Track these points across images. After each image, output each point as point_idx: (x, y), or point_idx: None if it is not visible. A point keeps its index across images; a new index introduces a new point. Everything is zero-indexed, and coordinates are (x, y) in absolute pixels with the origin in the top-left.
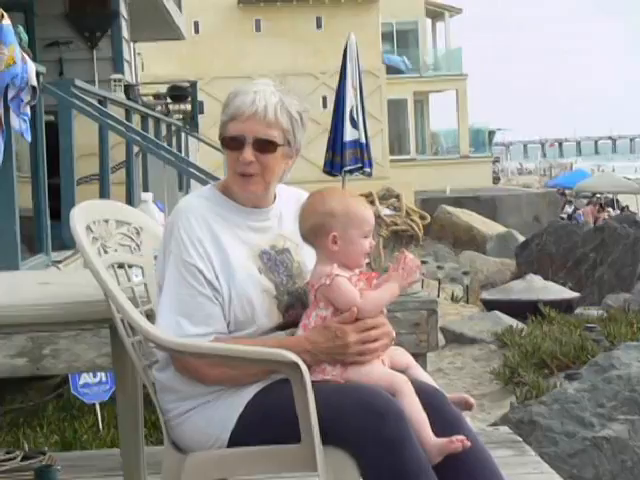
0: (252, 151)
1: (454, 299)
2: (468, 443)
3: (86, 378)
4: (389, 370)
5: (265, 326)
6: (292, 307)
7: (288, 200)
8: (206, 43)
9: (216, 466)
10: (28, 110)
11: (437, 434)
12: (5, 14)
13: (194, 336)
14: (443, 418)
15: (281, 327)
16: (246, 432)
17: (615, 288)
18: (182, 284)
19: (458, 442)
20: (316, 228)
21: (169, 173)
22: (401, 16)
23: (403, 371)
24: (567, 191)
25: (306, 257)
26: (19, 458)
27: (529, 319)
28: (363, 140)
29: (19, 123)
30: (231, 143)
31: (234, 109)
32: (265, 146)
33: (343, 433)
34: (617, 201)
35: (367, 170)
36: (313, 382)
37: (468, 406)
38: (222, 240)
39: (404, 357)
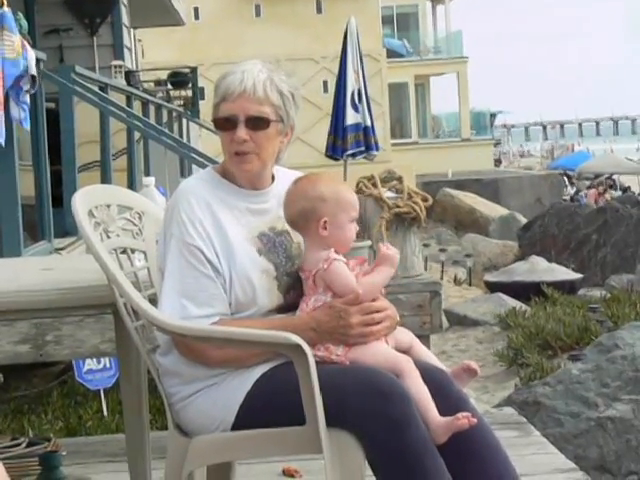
0: (245, 129)
1: (457, 282)
2: (474, 420)
3: (90, 364)
4: (393, 351)
5: (266, 307)
6: (293, 288)
7: (287, 182)
8: (206, 29)
9: (221, 449)
10: (27, 99)
11: (441, 414)
12: (5, 1)
13: (198, 318)
14: (447, 398)
15: (282, 309)
16: (250, 415)
17: (618, 269)
18: (184, 266)
19: (464, 419)
20: (306, 212)
21: (171, 159)
22: None
23: (407, 350)
24: (569, 172)
25: None
26: (24, 445)
27: (532, 301)
28: (368, 123)
29: (18, 111)
30: (224, 124)
31: (224, 90)
32: (257, 123)
33: (347, 414)
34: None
35: (373, 153)
36: (317, 363)
37: (472, 372)
38: (222, 221)
39: (407, 336)
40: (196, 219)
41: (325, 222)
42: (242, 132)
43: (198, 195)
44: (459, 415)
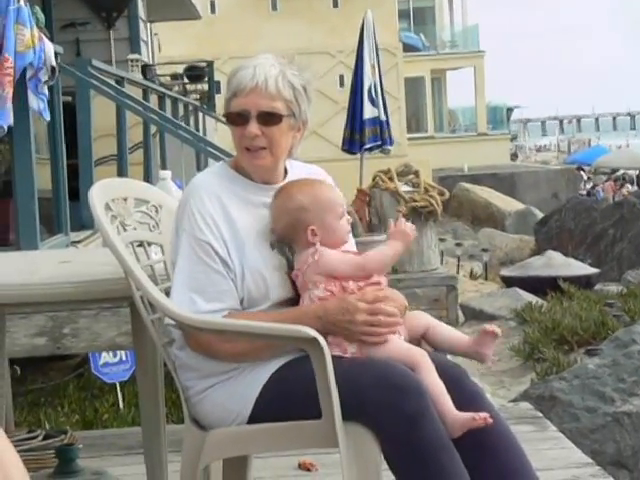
0: (257, 125)
1: (473, 276)
2: (490, 420)
3: (106, 357)
4: (407, 345)
5: (278, 301)
6: None
7: (299, 175)
8: (222, 23)
9: (237, 442)
10: (46, 90)
11: (457, 409)
12: None
13: (207, 312)
14: (462, 392)
15: (294, 303)
16: (267, 408)
17: (635, 264)
18: (195, 261)
19: (481, 419)
20: (292, 226)
21: (187, 152)
22: None
23: (424, 333)
24: (586, 168)
25: None
26: (40, 437)
27: (549, 295)
28: (383, 118)
29: (37, 103)
30: (236, 119)
31: (235, 85)
32: (269, 119)
33: (363, 408)
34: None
35: (387, 148)
36: (333, 357)
37: (492, 334)
38: (234, 216)
39: (422, 319)
40: (207, 214)
41: (313, 230)
42: (254, 127)
43: (210, 190)
44: (476, 415)
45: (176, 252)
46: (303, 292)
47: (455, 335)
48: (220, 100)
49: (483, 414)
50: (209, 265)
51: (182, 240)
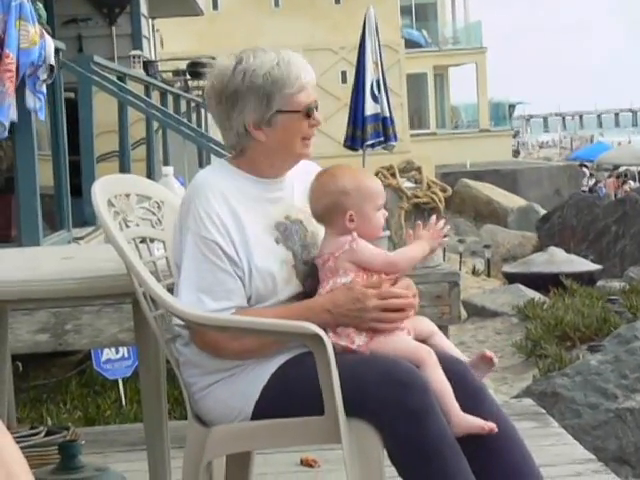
0: None
1: (475, 273)
2: (496, 429)
3: (108, 354)
4: (414, 342)
5: (285, 297)
6: (310, 276)
7: (297, 171)
8: (225, 19)
9: (240, 439)
10: (44, 88)
11: (460, 405)
12: None
13: (216, 311)
14: (466, 389)
15: (301, 297)
16: (270, 404)
17: (637, 260)
18: (201, 260)
19: (487, 429)
20: (331, 208)
21: (189, 149)
22: None
23: (426, 339)
24: (588, 164)
25: (318, 226)
26: (43, 433)
27: (551, 292)
28: (386, 114)
29: (34, 101)
30: (310, 110)
31: (304, 80)
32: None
33: (367, 404)
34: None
35: (391, 144)
36: (337, 353)
37: (489, 362)
38: (239, 213)
39: (428, 326)
40: (213, 212)
41: (351, 215)
42: (319, 116)
43: (214, 187)
44: (485, 426)
45: (181, 252)
46: (330, 277)
47: (454, 352)
48: None
49: (491, 425)
50: (216, 264)
51: (188, 240)
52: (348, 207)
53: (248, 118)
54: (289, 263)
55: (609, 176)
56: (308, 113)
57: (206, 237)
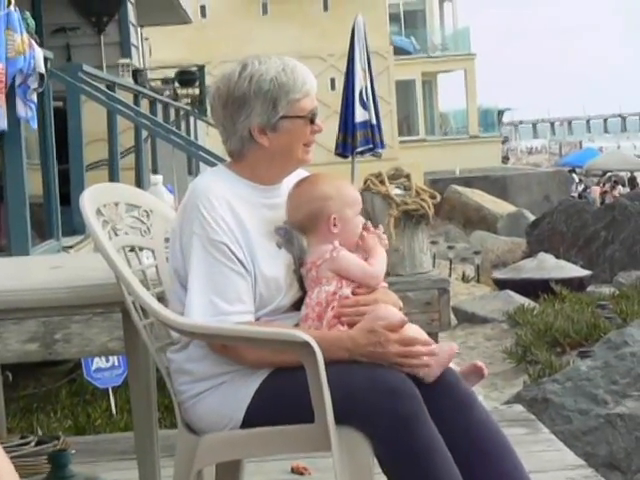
0: None
1: (465, 279)
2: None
3: (99, 363)
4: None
5: (287, 301)
6: None
7: (293, 178)
8: (213, 27)
9: (230, 447)
10: (35, 97)
11: (449, 411)
12: (13, 1)
13: (231, 314)
14: (455, 395)
15: (302, 301)
16: (260, 412)
17: (627, 266)
18: (211, 263)
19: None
20: (313, 214)
21: (178, 157)
22: None
23: None
24: (577, 170)
25: None
26: (33, 443)
27: (541, 298)
28: (374, 121)
29: (25, 110)
30: (312, 116)
31: (308, 86)
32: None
33: (356, 412)
34: (634, 179)
35: (378, 151)
36: (326, 361)
37: (479, 370)
38: (242, 218)
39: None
40: (218, 216)
41: (335, 219)
42: (320, 122)
43: (216, 192)
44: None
45: (184, 258)
46: (314, 286)
47: None
48: None
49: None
50: (227, 265)
51: (194, 245)
52: (331, 212)
53: (253, 122)
54: (290, 267)
55: (598, 182)
56: (312, 119)
57: (215, 239)
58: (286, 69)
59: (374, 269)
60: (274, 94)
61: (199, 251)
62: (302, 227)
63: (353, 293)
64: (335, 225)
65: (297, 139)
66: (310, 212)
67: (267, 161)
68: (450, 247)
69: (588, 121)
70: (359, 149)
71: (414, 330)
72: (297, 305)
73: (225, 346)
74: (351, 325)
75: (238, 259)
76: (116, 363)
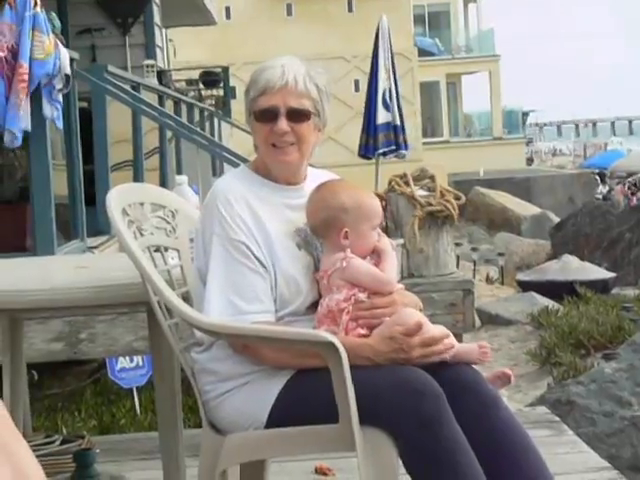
0: (286, 121)
1: (489, 280)
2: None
3: (123, 363)
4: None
5: (309, 301)
6: None
7: (320, 178)
8: (237, 28)
9: (254, 447)
10: (60, 98)
11: (474, 412)
12: (39, 2)
13: (249, 314)
14: (479, 396)
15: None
16: (284, 413)
17: None
18: (231, 263)
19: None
20: (328, 222)
21: (202, 158)
22: None
23: None
24: (602, 171)
25: None
26: (58, 442)
27: (565, 300)
28: (398, 122)
29: (51, 110)
30: (265, 115)
31: (264, 83)
32: (299, 116)
33: (381, 412)
34: None
35: (402, 152)
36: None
37: (506, 378)
38: (262, 218)
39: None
40: (237, 216)
41: (346, 232)
42: (283, 124)
43: (236, 193)
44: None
45: (208, 257)
46: (325, 294)
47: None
48: (236, 105)
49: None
50: (246, 265)
51: (214, 244)
52: (344, 224)
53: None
54: (310, 269)
55: (617, 183)
56: (258, 116)
57: (234, 238)
58: (262, 66)
59: (385, 276)
60: (247, 92)
61: (219, 251)
62: (318, 232)
63: (369, 296)
64: (346, 238)
65: (259, 139)
66: (325, 220)
67: (263, 160)
68: (474, 249)
69: (613, 123)
70: (380, 150)
71: (431, 328)
72: (320, 305)
73: (246, 346)
74: (370, 328)
75: (257, 258)
76: (140, 363)
